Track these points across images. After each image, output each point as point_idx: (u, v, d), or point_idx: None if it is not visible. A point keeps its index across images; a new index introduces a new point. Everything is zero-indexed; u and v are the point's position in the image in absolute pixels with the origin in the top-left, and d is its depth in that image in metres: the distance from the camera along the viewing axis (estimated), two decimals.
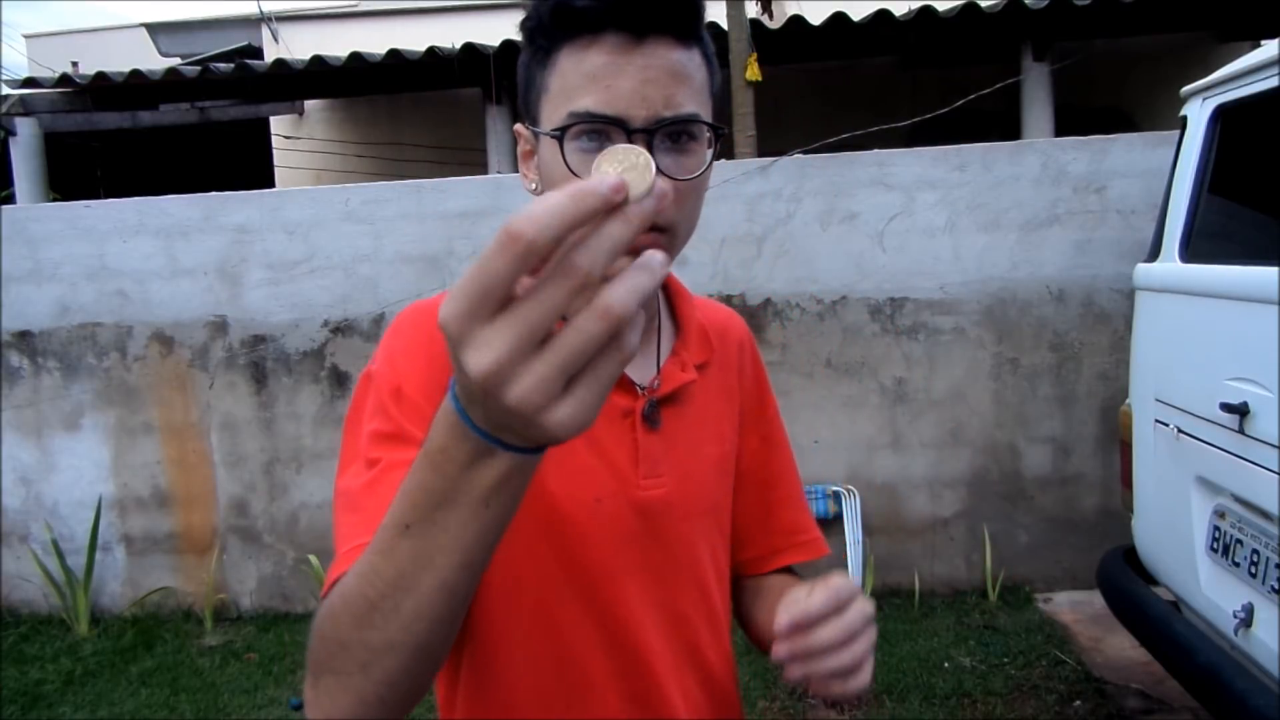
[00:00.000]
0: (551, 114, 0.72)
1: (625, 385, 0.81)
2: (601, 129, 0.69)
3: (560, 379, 0.41)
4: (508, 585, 0.75)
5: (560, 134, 0.70)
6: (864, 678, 0.68)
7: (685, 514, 0.82)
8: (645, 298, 0.41)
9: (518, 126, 0.79)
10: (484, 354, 0.41)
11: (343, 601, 0.56)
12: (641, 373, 0.83)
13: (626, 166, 0.45)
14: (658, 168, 0.55)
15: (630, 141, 0.68)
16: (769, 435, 0.95)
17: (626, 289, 0.40)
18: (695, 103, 0.71)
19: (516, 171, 5.53)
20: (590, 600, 0.77)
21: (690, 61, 0.72)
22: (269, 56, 6.76)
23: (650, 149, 0.68)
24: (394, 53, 5.01)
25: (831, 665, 0.66)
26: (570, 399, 0.42)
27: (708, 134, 0.73)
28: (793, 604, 0.67)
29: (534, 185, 0.78)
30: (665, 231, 0.71)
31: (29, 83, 5.58)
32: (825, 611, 0.66)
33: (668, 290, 0.91)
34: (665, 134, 0.71)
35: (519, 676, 0.77)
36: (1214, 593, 2.13)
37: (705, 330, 0.89)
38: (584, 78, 0.69)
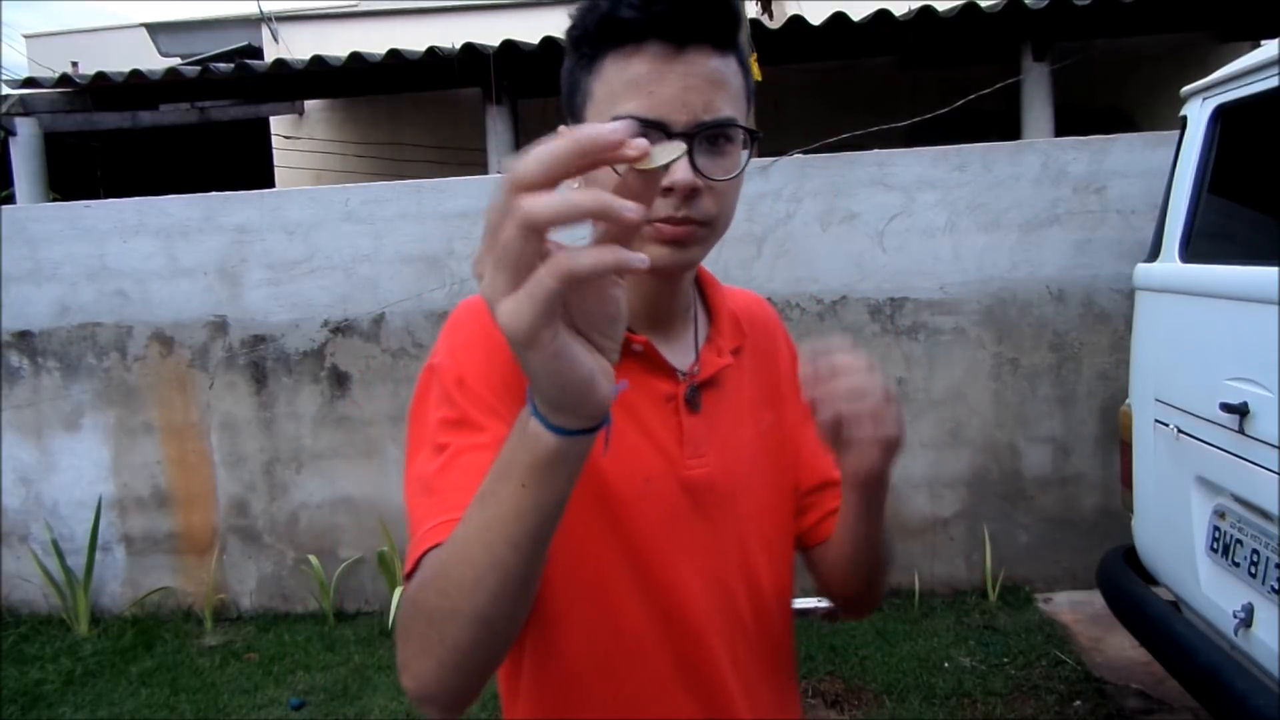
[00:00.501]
0: (595, 118, 0.77)
1: (667, 371, 0.85)
2: (643, 132, 0.71)
3: (500, 276, 0.48)
4: (569, 563, 0.79)
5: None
6: (892, 426, 0.75)
7: (728, 491, 0.86)
8: (599, 262, 0.47)
9: (561, 129, 0.80)
10: (479, 263, 0.50)
11: (431, 571, 0.64)
12: (681, 359, 0.88)
13: (664, 150, 0.50)
14: (695, 166, 0.70)
15: (670, 135, 0.73)
16: (808, 410, 1.00)
17: (557, 207, 0.46)
18: (732, 107, 0.76)
19: None
20: (642, 575, 0.81)
21: (727, 68, 0.76)
22: (269, 56, 6.76)
23: (690, 151, 0.73)
24: (394, 53, 5.01)
25: (859, 406, 0.74)
26: (512, 296, 0.48)
27: (743, 136, 0.78)
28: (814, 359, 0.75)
29: (576, 185, 0.80)
30: (704, 225, 0.77)
31: (29, 83, 5.57)
32: (847, 362, 0.75)
33: (700, 282, 0.95)
34: (704, 137, 0.75)
35: (577, 649, 0.81)
36: (1214, 593, 2.13)
37: (736, 317, 0.94)
38: (628, 84, 0.74)
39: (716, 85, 0.75)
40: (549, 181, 0.46)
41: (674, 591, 0.82)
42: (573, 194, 0.46)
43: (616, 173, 0.53)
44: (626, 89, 0.74)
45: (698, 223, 0.77)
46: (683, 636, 0.83)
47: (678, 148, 0.51)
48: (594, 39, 0.76)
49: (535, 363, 0.50)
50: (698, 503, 0.84)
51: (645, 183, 0.50)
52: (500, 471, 0.58)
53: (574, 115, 0.80)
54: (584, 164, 0.46)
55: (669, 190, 0.74)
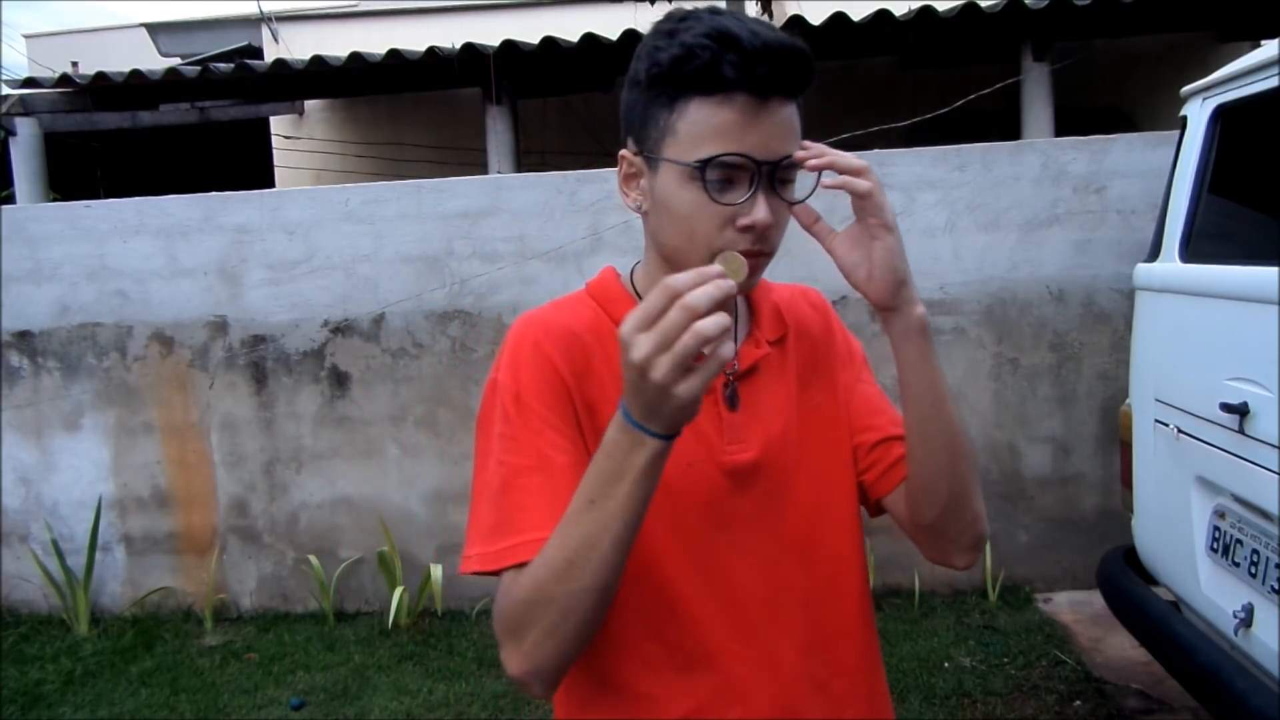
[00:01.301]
0: (678, 153, 0.84)
1: None
2: (730, 174, 0.84)
3: (680, 364, 0.67)
4: None
5: (701, 169, 0.83)
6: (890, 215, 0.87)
7: (776, 472, 0.94)
8: (723, 326, 0.67)
9: (624, 153, 0.92)
10: (640, 349, 0.68)
11: (545, 568, 0.78)
12: None
13: (731, 266, 0.78)
14: (771, 203, 0.85)
15: (754, 184, 0.85)
16: (861, 377, 1.06)
17: (714, 323, 0.67)
18: (796, 145, 0.86)
19: (516, 171, 5.52)
20: (690, 550, 0.90)
21: (795, 113, 0.86)
22: (269, 56, 6.76)
23: (771, 181, 0.85)
24: (394, 53, 5.01)
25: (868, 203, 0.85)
26: (689, 379, 0.68)
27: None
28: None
29: (638, 205, 0.92)
30: (768, 255, 0.89)
31: (29, 83, 5.58)
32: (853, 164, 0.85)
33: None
34: (779, 177, 0.87)
35: (633, 622, 0.90)
36: (1214, 593, 2.13)
37: (778, 308, 1.02)
38: (716, 130, 0.82)
39: (789, 130, 0.85)
40: (697, 314, 0.68)
41: (719, 567, 0.90)
42: (714, 322, 0.67)
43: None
44: (715, 134, 0.82)
45: (765, 254, 0.88)
46: (730, 607, 0.90)
47: (741, 267, 0.80)
48: (679, 82, 0.83)
49: (686, 409, 0.71)
50: (740, 485, 0.92)
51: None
52: (610, 476, 0.75)
53: (643, 142, 0.88)
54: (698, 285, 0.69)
55: (748, 228, 0.84)
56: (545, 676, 0.81)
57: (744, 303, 1.01)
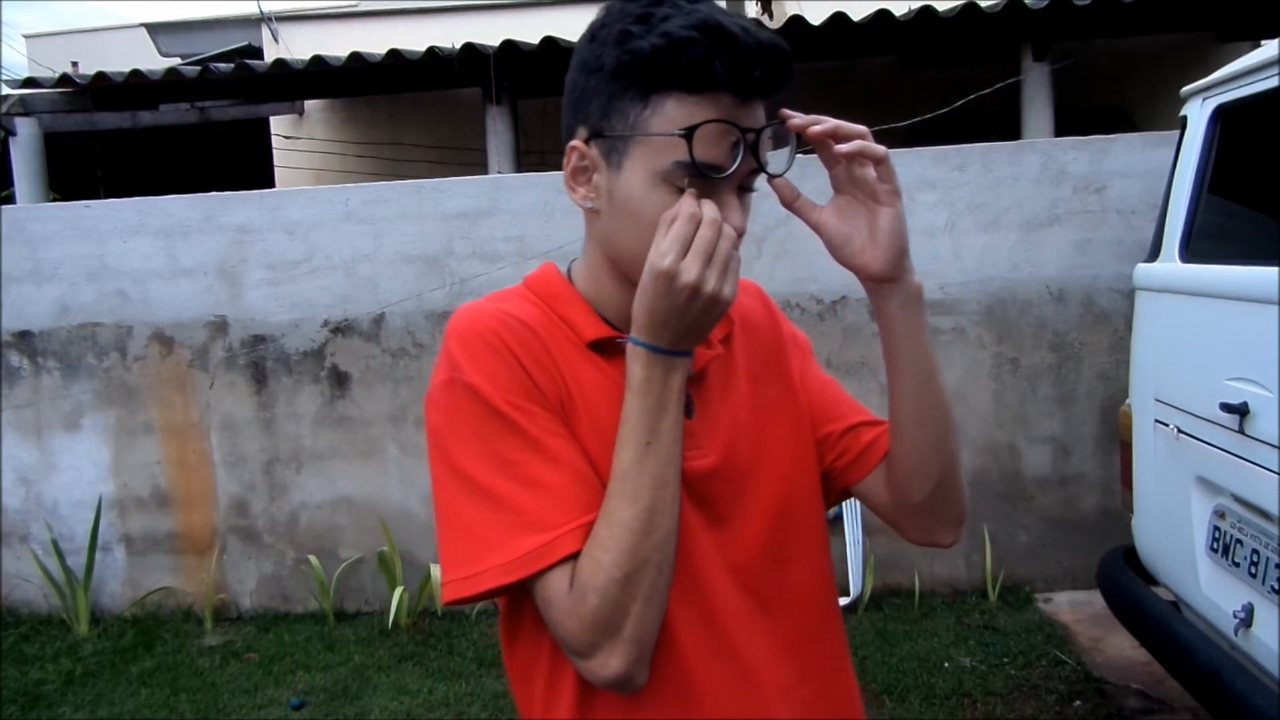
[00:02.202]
0: (651, 153, 0.78)
1: None
2: (704, 177, 0.80)
3: (725, 269, 0.76)
4: None
5: (689, 134, 0.77)
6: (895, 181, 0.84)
7: (734, 476, 0.90)
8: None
9: (576, 143, 0.83)
10: (690, 270, 0.74)
11: (626, 530, 0.76)
12: None
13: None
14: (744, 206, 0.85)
15: (727, 188, 0.82)
16: (812, 364, 1.04)
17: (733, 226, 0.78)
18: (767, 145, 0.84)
19: (516, 171, 5.51)
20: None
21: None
22: (269, 56, 6.76)
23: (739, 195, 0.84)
24: (394, 53, 5.01)
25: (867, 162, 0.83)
26: (728, 279, 0.76)
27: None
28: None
29: (589, 203, 0.85)
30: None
31: (29, 83, 5.57)
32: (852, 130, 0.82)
33: None
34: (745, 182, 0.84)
35: None
36: (1214, 593, 2.13)
37: None
38: (696, 139, 0.77)
39: (763, 133, 0.81)
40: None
41: (689, 582, 0.85)
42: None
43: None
44: (696, 136, 0.77)
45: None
46: (702, 615, 0.86)
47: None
48: (660, 77, 0.77)
49: (717, 316, 0.77)
50: (698, 492, 0.87)
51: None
52: (654, 412, 0.77)
53: (602, 136, 0.81)
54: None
55: None
56: (649, 651, 0.78)
57: None
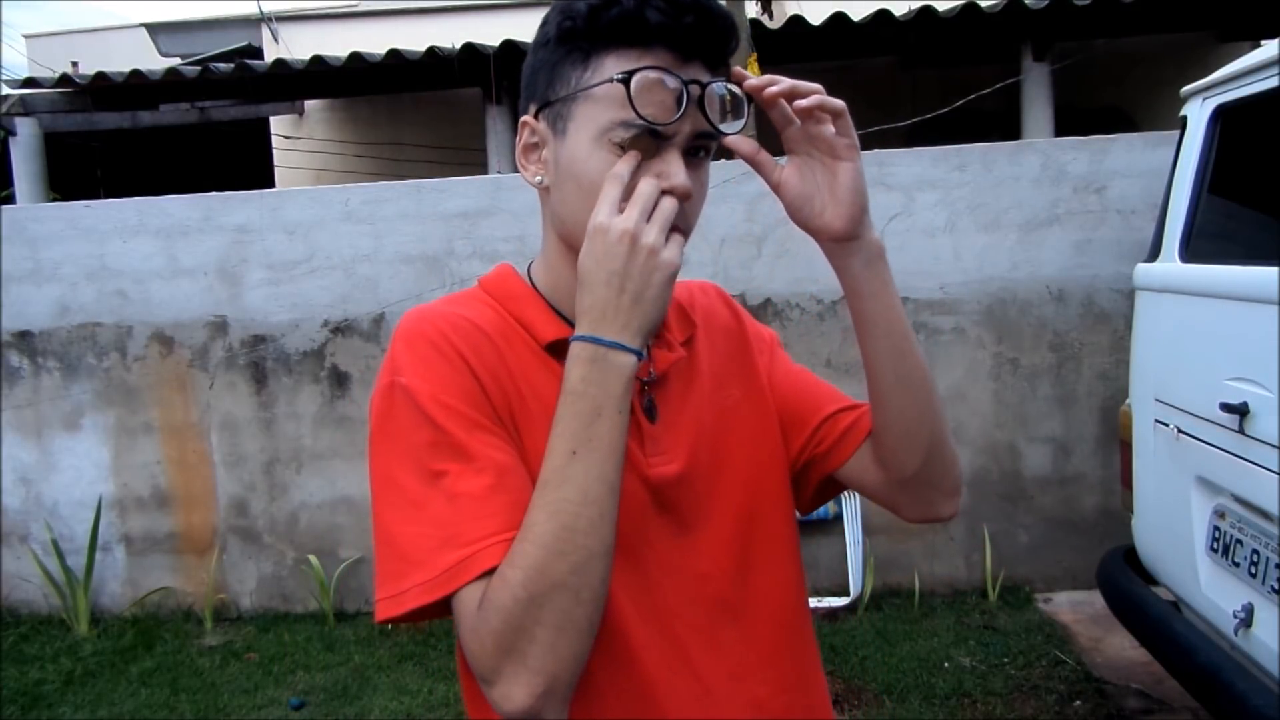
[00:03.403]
0: (590, 113, 0.77)
1: None
2: (648, 137, 0.77)
3: (666, 225, 0.74)
4: None
5: (626, 78, 0.75)
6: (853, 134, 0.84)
7: (699, 480, 0.87)
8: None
9: (526, 119, 0.83)
10: (626, 218, 0.72)
11: (537, 547, 0.68)
12: None
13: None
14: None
15: (671, 148, 0.79)
16: (771, 353, 1.01)
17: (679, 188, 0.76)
18: (722, 121, 0.80)
19: (515, 171, 5.53)
20: (620, 573, 0.79)
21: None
22: (269, 56, 6.76)
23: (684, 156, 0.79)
24: (394, 53, 5.02)
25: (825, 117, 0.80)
26: (671, 245, 0.74)
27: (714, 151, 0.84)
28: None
29: (539, 180, 0.83)
30: (683, 233, 0.80)
31: (29, 83, 5.58)
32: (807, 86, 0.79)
33: None
34: (690, 149, 0.79)
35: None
36: (1214, 593, 2.13)
37: (682, 308, 0.95)
38: (633, 86, 0.75)
39: (711, 98, 0.78)
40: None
41: (648, 583, 0.83)
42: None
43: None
44: (636, 92, 0.75)
45: (679, 230, 0.78)
46: (660, 628, 0.83)
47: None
48: (597, 34, 0.76)
49: (666, 288, 0.73)
50: (663, 499, 0.85)
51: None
52: (587, 415, 0.71)
53: (550, 107, 0.80)
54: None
55: (667, 193, 0.76)
56: (562, 689, 0.69)
57: None
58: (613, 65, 0.76)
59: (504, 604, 0.68)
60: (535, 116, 0.82)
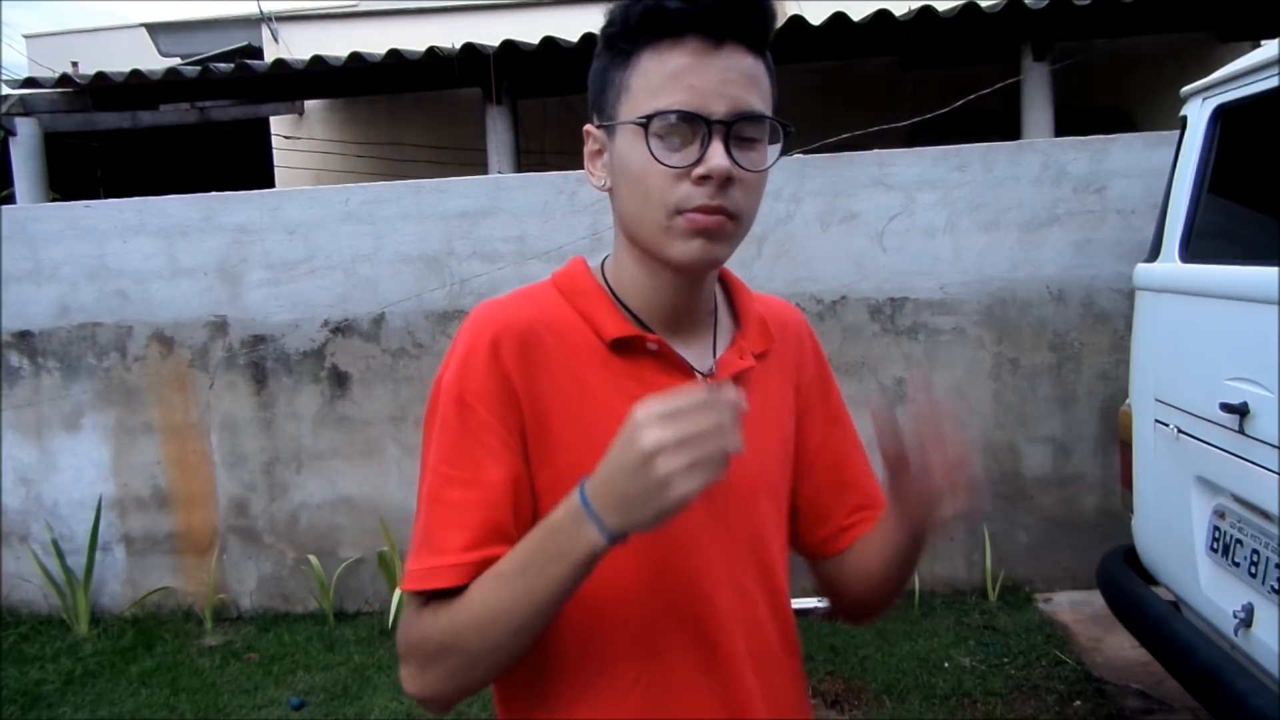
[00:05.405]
0: (633, 110, 0.78)
1: (685, 371, 0.86)
2: (684, 122, 0.77)
3: (693, 466, 0.66)
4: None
5: (646, 121, 0.77)
6: (977, 499, 0.81)
7: (747, 493, 0.88)
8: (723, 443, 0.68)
9: (588, 127, 0.86)
10: (654, 435, 0.66)
11: (464, 616, 0.75)
12: (700, 361, 0.89)
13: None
14: (731, 156, 0.77)
15: (710, 132, 0.76)
16: (836, 417, 1.01)
17: (734, 438, 0.68)
18: (764, 105, 0.79)
19: (516, 171, 5.51)
20: (663, 574, 0.83)
21: (759, 69, 0.79)
22: (269, 56, 6.75)
23: (726, 140, 0.76)
24: (394, 53, 5.01)
25: (952, 475, 0.79)
26: (689, 480, 0.66)
27: (770, 133, 0.81)
28: None
29: (602, 182, 0.86)
30: (734, 218, 0.80)
31: (29, 83, 5.57)
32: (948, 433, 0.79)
33: (727, 285, 0.97)
34: (738, 131, 0.78)
35: (602, 643, 0.84)
36: (1214, 593, 2.13)
37: (765, 322, 0.95)
38: (667, 77, 0.76)
39: (752, 82, 0.78)
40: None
41: (691, 591, 0.84)
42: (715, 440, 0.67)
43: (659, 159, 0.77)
44: (666, 82, 0.76)
45: (729, 214, 0.78)
46: (702, 638, 0.84)
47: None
48: (632, 34, 0.78)
49: (665, 513, 0.68)
50: (714, 505, 0.84)
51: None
52: (548, 555, 0.72)
53: (603, 112, 0.83)
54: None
55: (705, 179, 0.76)
56: (443, 705, 0.81)
57: (727, 308, 0.95)
58: (648, 62, 0.77)
59: (426, 630, 0.78)
60: (596, 125, 0.85)
